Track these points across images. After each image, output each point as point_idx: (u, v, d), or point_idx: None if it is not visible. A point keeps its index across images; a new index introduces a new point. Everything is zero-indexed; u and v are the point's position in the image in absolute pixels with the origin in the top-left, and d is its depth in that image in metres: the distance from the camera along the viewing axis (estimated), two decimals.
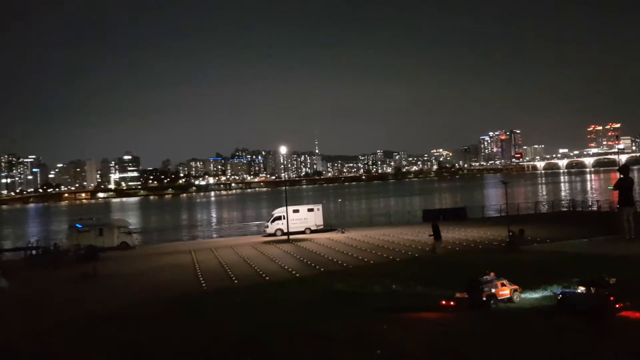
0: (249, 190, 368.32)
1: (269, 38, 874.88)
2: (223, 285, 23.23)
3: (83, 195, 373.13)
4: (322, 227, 49.33)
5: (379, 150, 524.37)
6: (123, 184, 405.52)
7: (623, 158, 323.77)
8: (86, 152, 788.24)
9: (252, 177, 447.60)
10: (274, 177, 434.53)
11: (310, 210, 50.74)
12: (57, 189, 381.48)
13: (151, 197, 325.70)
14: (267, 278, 24.38)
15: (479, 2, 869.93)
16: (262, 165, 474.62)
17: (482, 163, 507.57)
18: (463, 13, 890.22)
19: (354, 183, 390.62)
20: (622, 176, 27.42)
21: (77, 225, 47.61)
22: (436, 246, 28.50)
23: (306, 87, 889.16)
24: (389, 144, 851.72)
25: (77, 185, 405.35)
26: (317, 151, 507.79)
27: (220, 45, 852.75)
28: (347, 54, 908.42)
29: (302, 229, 48.01)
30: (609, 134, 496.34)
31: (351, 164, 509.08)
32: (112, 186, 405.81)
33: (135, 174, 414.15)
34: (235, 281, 24.16)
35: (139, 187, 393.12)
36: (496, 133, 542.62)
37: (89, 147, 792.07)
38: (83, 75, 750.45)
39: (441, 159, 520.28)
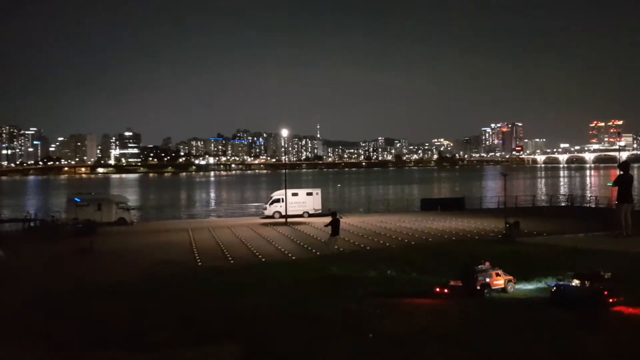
0: (249, 171, 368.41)
1: (273, 22, 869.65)
2: (218, 264, 23.32)
3: (83, 169, 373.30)
4: (320, 211, 49.38)
5: (380, 137, 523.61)
6: (123, 160, 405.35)
7: (624, 155, 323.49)
8: (87, 126, 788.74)
9: (252, 158, 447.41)
10: (274, 160, 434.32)
11: (309, 194, 50.74)
12: (57, 163, 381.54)
13: (150, 175, 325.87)
14: (263, 259, 24.47)
15: None
16: (262, 147, 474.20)
17: (482, 154, 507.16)
18: (468, 3, 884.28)
19: (354, 169, 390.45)
20: (621, 173, 27.34)
21: (76, 199, 47.64)
22: (329, 243, 24.45)
23: (309, 72, 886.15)
24: (390, 131, 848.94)
25: (77, 159, 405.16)
26: (318, 135, 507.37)
27: (224, 27, 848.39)
28: (351, 40, 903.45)
29: (300, 213, 48.07)
30: (611, 130, 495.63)
31: (352, 150, 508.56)
32: (112, 162, 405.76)
33: (135, 150, 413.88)
34: (231, 261, 24.25)
35: (139, 164, 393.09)
36: (498, 125, 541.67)
37: (90, 121, 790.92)
38: (87, 50, 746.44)
39: (442, 149, 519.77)
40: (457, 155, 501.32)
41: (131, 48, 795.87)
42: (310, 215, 47.99)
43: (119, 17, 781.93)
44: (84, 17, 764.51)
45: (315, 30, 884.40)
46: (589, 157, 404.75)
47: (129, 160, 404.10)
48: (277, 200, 48.70)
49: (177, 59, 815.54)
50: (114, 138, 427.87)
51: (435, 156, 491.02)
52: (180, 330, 11.91)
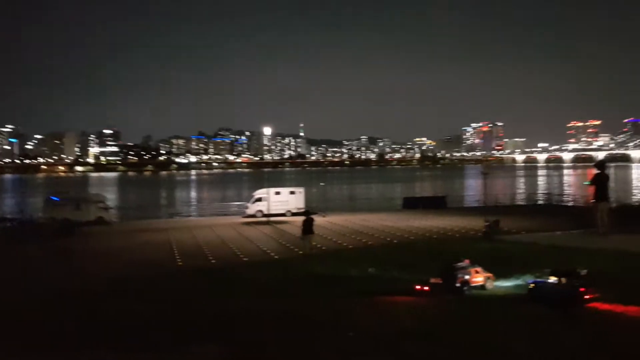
0: (231, 170, 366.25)
1: (254, 20, 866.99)
2: (199, 264, 23.18)
3: (61, 167, 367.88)
4: (303, 210, 49.27)
5: (363, 136, 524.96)
6: (102, 158, 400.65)
7: (601, 155, 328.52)
8: (66, 124, 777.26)
9: (234, 157, 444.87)
10: (256, 158, 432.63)
11: (292, 193, 50.62)
12: (34, 161, 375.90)
13: (130, 173, 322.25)
14: (245, 259, 24.39)
15: None
16: (245, 146, 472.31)
17: (463, 153, 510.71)
18: (448, 3, 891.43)
19: (337, 168, 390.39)
20: (598, 172, 27.82)
21: (54, 198, 47.01)
22: (304, 241, 25.09)
23: (293, 70, 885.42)
24: (373, 130, 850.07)
25: (55, 157, 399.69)
26: (301, 134, 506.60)
27: (206, 24, 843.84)
28: (333, 38, 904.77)
29: (283, 212, 47.90)
30: (589, 130, 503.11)
31: (335, 149, 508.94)
32: (91, 160, 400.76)
33: (115, 148, 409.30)
34: (212, 261, 24.12)
35: (119, 162, 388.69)
36: (478, 124, 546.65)
37: (69, 119, 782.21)
38: (66, 46, 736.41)
39: (424, 148, 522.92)
40: (438, 154, 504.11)
41: (111, 45, 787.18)
42: (293, 214, 47.88)
43: (98, 13, 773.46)
44: (63, 12, 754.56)
45: (297, 28, 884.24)
46: (567, 156, 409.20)
47: (109, 158, 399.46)
48: (260, 199, 48.50)
49: (157, 57, 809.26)
50: (93, 136, 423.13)
51: (418, 155, 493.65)
52: (163, 331, 11.86)
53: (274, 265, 22.15)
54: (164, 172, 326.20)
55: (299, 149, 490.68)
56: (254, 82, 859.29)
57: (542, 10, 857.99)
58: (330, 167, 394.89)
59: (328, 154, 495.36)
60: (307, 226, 25.28)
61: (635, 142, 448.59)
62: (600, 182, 27.32)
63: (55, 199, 46.62)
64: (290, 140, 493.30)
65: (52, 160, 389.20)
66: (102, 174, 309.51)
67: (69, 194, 50.53)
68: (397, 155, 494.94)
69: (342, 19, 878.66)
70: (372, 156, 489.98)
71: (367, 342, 10.25)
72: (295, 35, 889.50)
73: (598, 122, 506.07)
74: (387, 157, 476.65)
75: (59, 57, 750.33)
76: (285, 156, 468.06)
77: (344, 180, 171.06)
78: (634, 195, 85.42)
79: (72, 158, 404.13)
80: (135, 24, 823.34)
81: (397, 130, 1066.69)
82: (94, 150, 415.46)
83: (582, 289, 12.04)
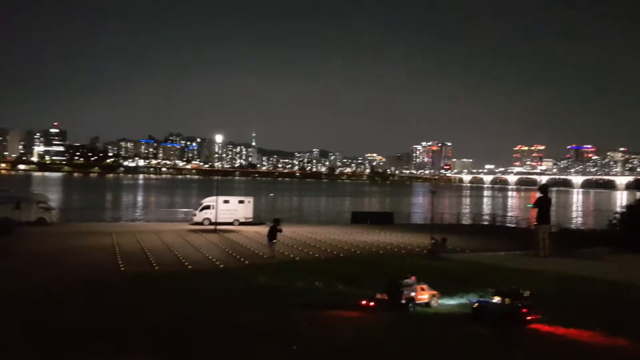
0: (180, 176, 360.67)
1: (207, 28, 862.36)
2: (142, 270, 22.56)
3: (2, 165, 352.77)
4: (251, 219, 48.91)
5: (315, 149, 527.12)
6: (47, 157, 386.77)
7: (544, 179, 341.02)
8: (10, 121, 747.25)
9: (184, 163, 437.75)
10: (207, 166, 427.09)
11: (241, 202, 50.19)
12: None
13: (75, 174, 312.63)
14: (190, 267, 23.90)
15: (417, 13, 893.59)
16: (195, 152, 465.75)
17: (412, 171, 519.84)
18: (405, 22, 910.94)
19: (287, 179, 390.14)
20: (541, 195, 28.71)
21: None
22: (270, 251, 27.01)
23: (245, 78, 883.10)
24: (325, 143, 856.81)
25: None
26: (253, 144, 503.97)
27: (160, 27, 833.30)
28: (288, 50, 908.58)
29: (231, 221, 47.37)
30: (534, 154, 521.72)
31: (287, 160, 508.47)
32: (35, 159, 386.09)
33: (60, 148, 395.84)
34: (156, 267, 23.52)
35: (64, 162, 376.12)
36: (428, 143, 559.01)
37: (14, 116, 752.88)
38: (18, 46, 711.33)
39: (374, 164, 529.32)
40: (388, 170, 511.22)
41: (62, 43, 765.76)
42: (241, 224, 47.41)
43: (52, 13, 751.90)
44: (13, 9, 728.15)
45: (253, 37, 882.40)
46: (511, 179, 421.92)
47: (54, 158, 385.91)
48: (208, 207, 47.81)
49: (109, 57, 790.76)
50: (38, 134, 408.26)
51: (368, 170, 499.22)
52: (98, 339, 11.39)
53: (218, 274, 21.77)
54: (110, 175, 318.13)
55: (250, 159, 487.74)
56: (207, 89, 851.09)
57: (492, 35, 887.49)
58: (280, 178, 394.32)
59: (279, 165, 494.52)
60: (270, 234, 26.87)
61: (576, 168, 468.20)
62: (542, 205, 28.18)
63: None
64: (241, 149, 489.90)
65: None
66: (46, 173, 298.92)
67: (9, 193, 48.51)
68: (348, 170, 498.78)
69: (297, 32, 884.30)
70: (323, 169, 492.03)
71: (311, 357, 10.10)
72: (252, 45, 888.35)
73: (543, 147, 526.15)
74: (337, 171, 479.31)
75: (7, 54, 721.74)
76: (236, 165, 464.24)
77: (294, 192, 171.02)
78: (573, 219, 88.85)
79: (15, 156, 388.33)
80: (91, 23, 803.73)
81: (348, 145, 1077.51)
82: (38, 149, 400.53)
83: (524, 310, 12.26)
